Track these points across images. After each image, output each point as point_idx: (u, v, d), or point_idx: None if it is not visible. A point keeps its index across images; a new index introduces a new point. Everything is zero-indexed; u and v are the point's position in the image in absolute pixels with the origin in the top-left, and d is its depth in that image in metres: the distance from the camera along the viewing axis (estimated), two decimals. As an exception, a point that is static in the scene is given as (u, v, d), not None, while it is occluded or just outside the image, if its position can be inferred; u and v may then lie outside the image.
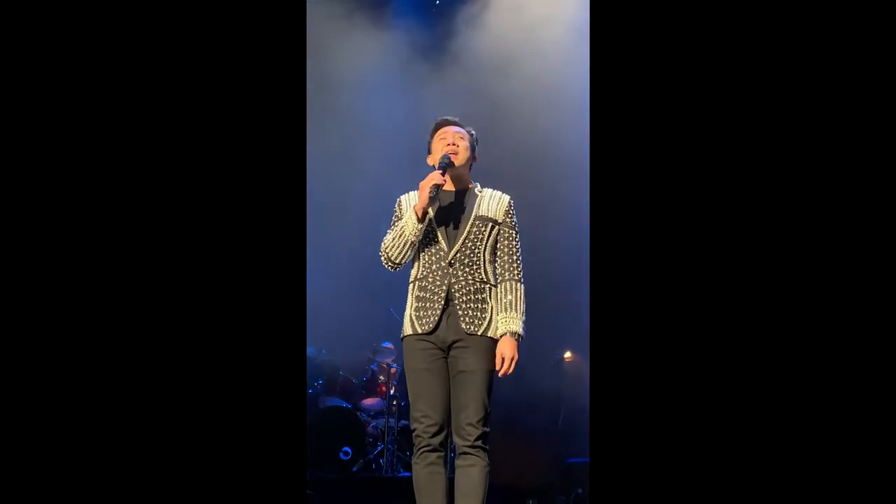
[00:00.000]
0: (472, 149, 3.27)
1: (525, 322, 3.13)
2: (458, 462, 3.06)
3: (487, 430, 3.04)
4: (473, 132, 3.31)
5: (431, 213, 3.14)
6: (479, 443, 3.02)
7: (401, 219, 3.21)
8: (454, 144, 3.19)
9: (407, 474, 6.07)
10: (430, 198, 3.07)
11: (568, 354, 6.84)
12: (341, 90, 6.68)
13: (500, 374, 3.06)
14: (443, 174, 3.10)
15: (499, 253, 3.19)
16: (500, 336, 3.09)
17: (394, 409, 6.33)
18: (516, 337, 3.09)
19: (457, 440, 3.04)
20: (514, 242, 3.20)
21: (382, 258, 3.20)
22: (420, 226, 3.09)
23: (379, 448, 6.30)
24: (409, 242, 3.12)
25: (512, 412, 6.32)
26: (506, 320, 3.10)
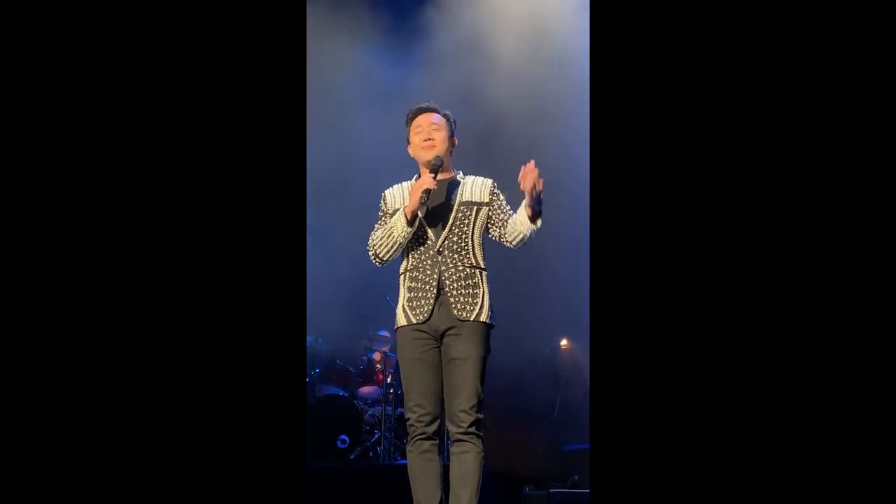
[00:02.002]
0: (451, 135, 3.26)
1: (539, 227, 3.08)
2: (452, 449, 3.08)
3: (481, 416, 3.06)
4: (450, 115, 3.29)
5: (421, 214, 3.12)
6: (472, 429, 3.03)
7: (387, 213, 3.21)
8: (430, 139, 3.18)
9: (404, 462, 6.07)
10: (421, 202, 3.07)
11: (564, 342, 6.86)
12: (341, 81, 6.67)
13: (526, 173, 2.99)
14: (434, 177, 3.09)
15: (497, 224, 3.17)
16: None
17: (390, 397, 6.34)
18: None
19: (450, 427, 3.06)
20: (506, 207, 3.19)
21: (370, 254, 3.21)
22: (410, 229, 3.10)
23: (376, 436, 6.32)
24: (398, 243, 3.12)
25: (508, 400, 6.34)
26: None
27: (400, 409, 6.35)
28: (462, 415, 3.03)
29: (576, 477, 5.98)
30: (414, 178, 3.27)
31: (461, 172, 3.28)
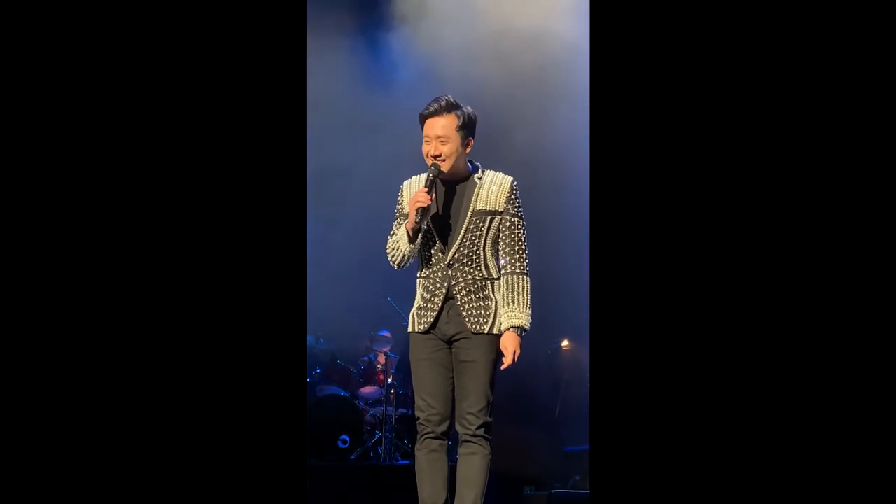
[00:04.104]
0: (464, 137, 3.06)
1: (531, 315, 3.06)
2: (460, 450, 3.06)
3: (490, 419, 3.03)
4: (464, 113, 3.06)
5: (426, 226, 3.04)
6: (480, 431, 3.02)
7: (402, 212, 3.14)
8: (438, 155, 3.02)
9: (405, 462, 6.09)
10: (417, 221, 2.98)
11: (565, 343, 6.84)
12: (341, 76, 6.66)
13: (502, 368, 3.05)
14: (429, 192, 2.98)
15: (501, 244, 3.08)
16: (504, 331, 3.04)
17: (391, 397, 6.34)
18: (520, 332, 3.04)
19: (459, 429, 3.05)
20: (517, 231, 3.08)
21: (388, 257, 3.18)
22: (412, 246, 3.04)
23: (377, 436, 6.32)
24: (406, 256, 3.09)
25: (509, 401, 6.32)
26: (510, 315, 3.04)
27: (401, 410, 6.34)
28: (470, 417, 3.02)
29: (577, 478, 5.98)
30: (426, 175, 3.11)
31: (480, 169, 3.13)
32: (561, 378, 6.72)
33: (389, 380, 6.43)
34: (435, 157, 3.04)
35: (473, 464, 3.02)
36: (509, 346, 3.03)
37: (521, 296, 3.07)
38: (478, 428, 3.01)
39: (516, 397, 6.37)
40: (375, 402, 6.66)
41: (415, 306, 3.15)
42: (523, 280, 3.08)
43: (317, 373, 6.73)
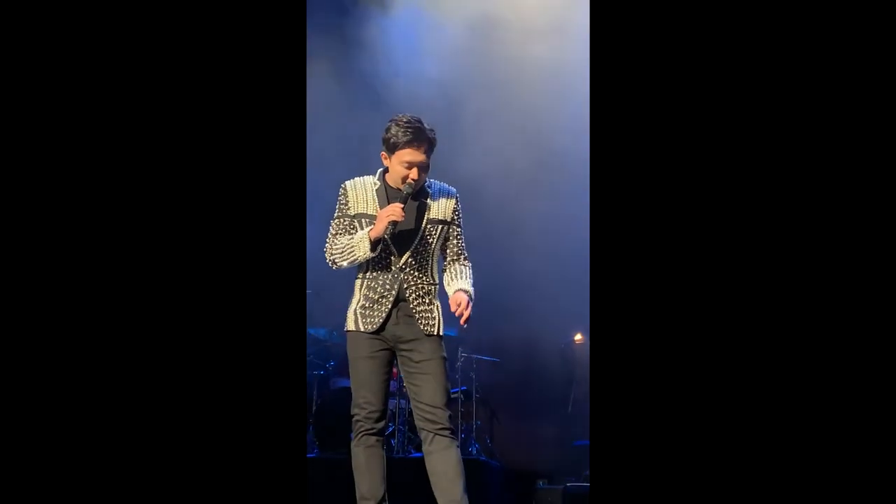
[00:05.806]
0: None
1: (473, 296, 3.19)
2: (430, 447, 3.11)
3: (451, 412, 3.14)
4: (433, 136, 3.18)
5: (387, 237, 3.10)
6: (449, 423, 3.11)
7: (346, 214, 3.19)
8: (416, 181, 3.12)
9: (418, 455, 6.11)
10: (386, 233, 3.06)
11: (578, 337, 6.84)
12: (341, 73, 6.67)
13: (462, 321, 3.09)
14: (403, 208, 3.06)
15: (448, 249, 3.28)
16: (455, 292, 3.15)
17: (405, 390, 6.35)
18: (468, 295, 3.15)
19: (425, 425, 3.10)
20: (461, 238, 3.31)
21: (327, 257, 3.22)
22: (372, 254, 3.10)
23: (390, 429, 6.33)
24: (359, 260, 3.15)
25: (522, 395, 6.34)
26: (456, 283, 3.20)
27: (414, 403, 6.36)
28: (437, 411, 3.09)
29: (587, 472, 5.98)
30: (378, 173, 3.23)
31: (427, 179, 3.26)
32: (573, 373, 6.73)
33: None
34: (415, 180, 3.13)
35: (451, 457, 3.08)
36: (462, 301, 3.10)
37: (464, 274, 3.25)
38: (448, 420, 3.10)
39: (529, 392, 6.39)
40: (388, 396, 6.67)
41: (356, 305, 3.19)
42: (468, 266, 3.29)
43: (331, 366, 6.75)
